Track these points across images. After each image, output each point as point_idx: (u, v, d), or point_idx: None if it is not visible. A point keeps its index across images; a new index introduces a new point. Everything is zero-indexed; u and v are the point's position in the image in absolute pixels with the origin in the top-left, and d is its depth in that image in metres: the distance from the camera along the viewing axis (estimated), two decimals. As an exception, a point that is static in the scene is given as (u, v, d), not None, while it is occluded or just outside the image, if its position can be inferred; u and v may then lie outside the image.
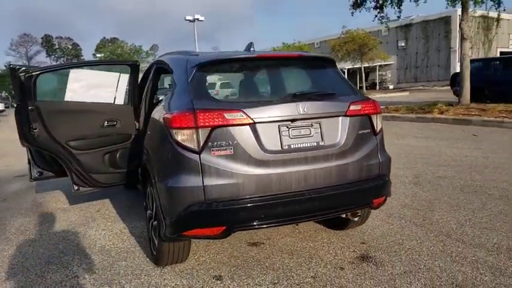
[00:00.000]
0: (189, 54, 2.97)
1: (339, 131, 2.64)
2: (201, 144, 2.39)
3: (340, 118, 2.66)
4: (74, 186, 3.52)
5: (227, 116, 2.39)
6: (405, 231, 3.36)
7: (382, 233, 3.35)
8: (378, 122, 2.82)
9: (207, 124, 2.38)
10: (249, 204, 2.40)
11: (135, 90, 3.73)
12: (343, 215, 3.05)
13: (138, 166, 3.73)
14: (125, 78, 3.62)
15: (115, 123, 3.59)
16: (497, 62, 14.14)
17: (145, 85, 3.75)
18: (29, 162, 4.31)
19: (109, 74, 3.55)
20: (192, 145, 2.39)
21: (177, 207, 2.43)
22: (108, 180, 3.66)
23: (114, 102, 3.65)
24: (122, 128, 3.62)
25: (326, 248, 3.12)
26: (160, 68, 3.95)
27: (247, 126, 2.42)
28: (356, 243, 3.19)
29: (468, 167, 5.51)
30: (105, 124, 3.53)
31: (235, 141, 2.40)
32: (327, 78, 2.96)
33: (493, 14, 14.88)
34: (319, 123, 2.59)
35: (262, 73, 2.92)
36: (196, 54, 2.97)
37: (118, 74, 3.59)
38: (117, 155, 3.64)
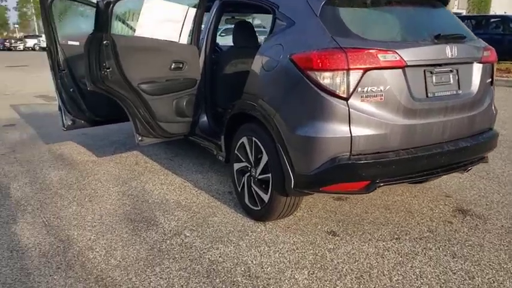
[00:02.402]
0: None
1: (472, 78, 2.51)
2: (351, 89, 2.14)
3: (475, 64, 2.51)
4: (138, 136, 3.11)
5: (381, 57, 2.15)
6: (480, 184, 3.40)
7: (458, 186, 3.36)
8: (494, 71, 2.72)
9: (358, 66, 2.12)
10: (394, 158, 2.23)
11: (199, 29, 3.28)
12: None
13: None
14: (192, 13, 3.15)
15: (181, 65, 3.16)
16: None
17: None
18: (60, 109, 3.76)
19: (178, 7, 3.06)
20: (340, 90, 2.14)
21: (318, 160, 2.20)
22: (174, 130, 3.28)
23: (179, 41, 3.19)
24: (188, 72, 3.20)
25: (416, 202, 3.07)
26: (231, 3, 3.52)
27: (400, 70, 2.20)
28: (440, 196, 3.17)
29: None
30: (173, 66, 3.09)
31: (388, 87, 2.18)
32: (452, 19, 2.76)
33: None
34: (457, 70, 2.43)
35: (398, 9, 2.61)
36: None
37: (187, 7, 3.11)
38: (184, 103, 3.24)
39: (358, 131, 2.17)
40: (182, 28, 3.17)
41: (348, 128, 2.16)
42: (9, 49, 41.15)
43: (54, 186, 3.37)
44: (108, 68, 2.70)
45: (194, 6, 3.18)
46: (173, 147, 4.40)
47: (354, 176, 2.22)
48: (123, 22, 3.14)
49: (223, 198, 3.15)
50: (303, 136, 2.22)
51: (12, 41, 45.70)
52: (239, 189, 2.90)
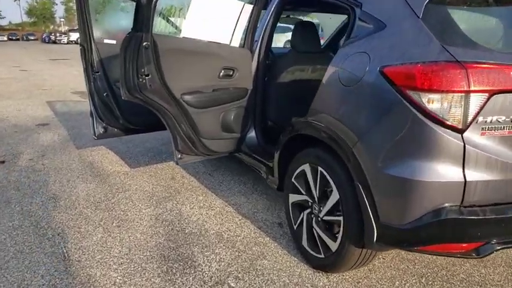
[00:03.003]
0: None
1: None
2: (469, 118, 1.56)
3: None
4: (177, 153, 2.65)
5: (514, 75, 1.56)
6: None
7: None
8: None
9: (483, 87, 1.54)
10: (520, 212, 1.64)
11: (254, 29, 2.78)
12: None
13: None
14: (247, 10, 2.66)
15: (231, 72, 2.67)
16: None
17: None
18: (92, 115, 3.37)
19: (233, 2, 2.58)
20: (454, 119, 1.57)
21: (416, 211, 1.64)
22: (219, 148, 2.80)
23: (230, 43, 2.71)
24: (238, 80, 2.71)
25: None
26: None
27: (536, 95, 1.61)
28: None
29: None
30: (222, 74, 2.61)
31: (518, 116, 1.59)
32: None
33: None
34: None
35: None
36: None
37: (242, 3, 2.62)
38: (232, 117, 2.76)
39: (475, 175, 1.59)
40: (235, 28, 2.69)
41: (461, 170, 1.59)
42: (54, 42, 42.67)
43: (80, 204, 2.97)
44: (147, 75, 2.24)
45: (250, 2, 2.69)
46: (213, 160, 3.93)
47: (464, 235, 1.64)
48: (167, 20, 2.69)
49: (272, 231, 2.63)
50: (395, 177, 1.67)
51: (58, 34, 47.52)
52: (295, 227, 2.38)
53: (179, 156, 2.68)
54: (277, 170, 2.55)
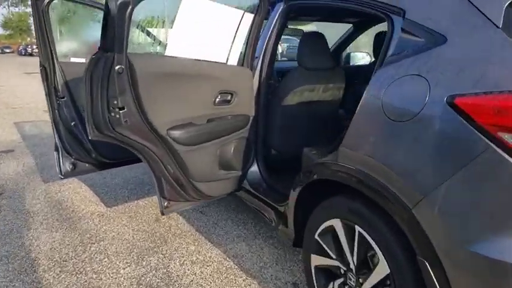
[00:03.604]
0: None
1: None
2: None
3: None
4: (163, 201, 2.09)
5: None
6: None
7: None
8: None
9: None
10: None
11: (255, 43, 2.26)
12: None
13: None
14: (248, 20, 2.14)
15: (230, 97, 2.14)
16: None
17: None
18: (57, 149, 2.77)
19: (230, 11, 2.05)
20: None
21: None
22: (217, 190, 2.26)
23: (227, 61, 2.18)
24: (238, 106, 2.18)
25: None
26: (303, 7, 2.51)
27: None
28: None
29: None
30: (218, 99, 2.07)
31: None
32: None
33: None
34: None
35: None
36: None
37: (241, 11, 2.10)
38: (231, 151, 2.22)
39: None
40: (233, 42, 2.16)
41: None
42: (30, 54, 41.42)
43: (40, 265, 2.36)
44: (122, 108, 1.68)
45: (250, 11, 2.17)
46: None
47: None
48: (147, 33, 2.14)
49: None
50: (484, 257, 1.16)
51: (34, 46, 46.26)
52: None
53: (165, 204, 2.12)
54: (292, 220, 2.01)
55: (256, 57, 2.36)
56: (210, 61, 2.03)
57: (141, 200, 3.33)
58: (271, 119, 2.53)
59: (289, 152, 2.50)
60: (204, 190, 2.14)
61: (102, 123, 1.70)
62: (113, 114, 1.70)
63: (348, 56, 4.16)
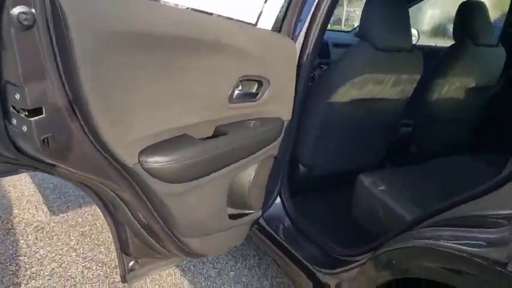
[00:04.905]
0: None
1: None
2: None
3: None
4: (128, 262, 1.19)
5: None
6: None
7: None
8: None
9: None
10: None
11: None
12: None
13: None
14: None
15: (256, 87, 1.21)
16: None
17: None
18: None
19: None
20: None
21: None
22: (218, 246, 1.36)
23: (256, 22, 1.22)
24: (269, 104, 1.25)
25: None
26: None
27: None
28: None
29: None
30: (237, 92, 1.14)
31: None
32: None
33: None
34: None
35: None
36: None
37: None
38: (250, 180, 1.29)
39: None
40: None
41: None
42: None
43: None
44: (34, 112, 0.73)
45: None
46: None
47: None
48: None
49: None
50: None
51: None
52: None
53: (130, 265, 1.22)
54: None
55: (301, 21, 1.40)
56: (228, 18, 1.08)
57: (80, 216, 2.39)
58: (308, 119, 1.62)
59: (328, 169, 1.65)
60: (195, 248, 1.22)
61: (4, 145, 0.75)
62: (15, 122, 0.74)
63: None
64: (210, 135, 1.11)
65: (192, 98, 1.03)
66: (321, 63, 2.35)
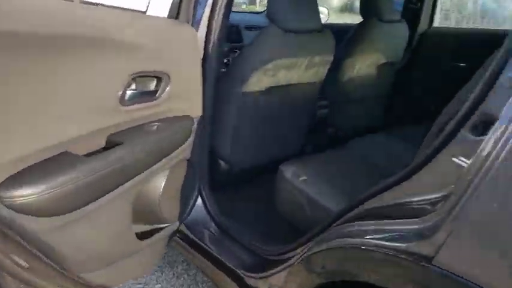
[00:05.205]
0: None
1: None
2: None
3: None
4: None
5: None
6: None
7: None
8: None
9: None
10: None
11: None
12: None
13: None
14: None
15: (155, 84, 1.05)
16: None
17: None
18: None
19: None
20: None
21: None
22: (135, 270, 1.19)
23: (146, 9, 1.05)
24: (172, 101, 1.10)
25: None
26: None
27: None
28: None
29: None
30: (129, 92, 0.97)
31: None
32: None
33: None
34: None
35: None
36: None
37: None
38: (159, 192, 1.13)
39: None
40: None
41: None
42: None
43: None
44: None
45: None
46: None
47: None
48: None
49: None
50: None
51: None
52: None
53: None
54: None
55: (200, 4, 1.25)
56: (110, 6, 0.90)
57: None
58: (223, 111, 1.49)
59: (246, 160, 1.55)
60: (101, 282, 1.04)
61: None
62: None
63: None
64: (101, 148, 0.93)
65: (71, 105, 0.84)
66: (234, 48, 2.23)
